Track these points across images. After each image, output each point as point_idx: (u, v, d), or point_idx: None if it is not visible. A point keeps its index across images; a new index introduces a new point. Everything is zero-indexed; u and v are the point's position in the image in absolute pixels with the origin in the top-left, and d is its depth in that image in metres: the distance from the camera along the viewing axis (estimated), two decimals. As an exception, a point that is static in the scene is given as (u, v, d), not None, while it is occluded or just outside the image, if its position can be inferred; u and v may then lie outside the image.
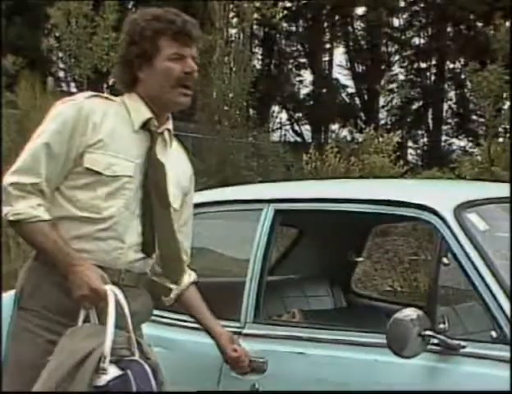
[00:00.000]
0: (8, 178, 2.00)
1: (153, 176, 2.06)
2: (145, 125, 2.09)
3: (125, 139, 2.06)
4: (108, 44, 12.50)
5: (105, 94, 2.14)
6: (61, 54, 16.78)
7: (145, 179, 2.05)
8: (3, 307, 2.30)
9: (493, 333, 1.94)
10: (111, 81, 14.10)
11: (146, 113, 2.09)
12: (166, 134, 2.14)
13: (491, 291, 1.99)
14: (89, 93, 2.12)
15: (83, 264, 1.94)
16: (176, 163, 2.17)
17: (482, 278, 2.01)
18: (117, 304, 1.88)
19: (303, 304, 3.02)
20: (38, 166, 1.99)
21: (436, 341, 1.95)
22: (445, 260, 1.96)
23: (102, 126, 2.03)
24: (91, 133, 2.02)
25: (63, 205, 2.02)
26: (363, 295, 3.40)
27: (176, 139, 2.23)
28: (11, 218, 1.98)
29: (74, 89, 15.93)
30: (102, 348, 1.80)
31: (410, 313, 1.93)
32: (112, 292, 1.89)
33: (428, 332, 1.93)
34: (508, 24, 8.45)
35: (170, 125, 2.16)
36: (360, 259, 3.38)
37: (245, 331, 2.40)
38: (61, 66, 18.92)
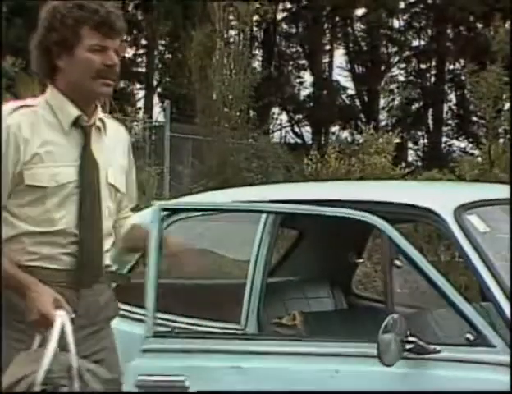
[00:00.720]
0: None
1: (87, 176, 2.03)
2: (75, 123, 2.05)
3: (60, 144, 2.02)
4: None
5: (28, 101, 2.07)
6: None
7: (81, 179, 2.02)
8: None
9: (469, 336, 1.91)
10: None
11: (73, 111, 2.04)
12: (98, 122, 2.09)
13: (490, 293, 1.99)
14: (12, 105, 2.06)
15: (35, 290, 1.92)
16: (115, 147, 2.14)
17: (482, 280, 2.00)
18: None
19: (303, 306, 3.02)
20: None
21: (411, 346, 1.90)
22: (397, 262, 1.91)
23: (33, 140, 1.99)
24: (24, 150, 1.98)
25: (15, 223, 1.99)
26: (363, 296, 3.40)
27: (113, 118, 2.20)
28: None
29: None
30: (33, 376, 1.75)
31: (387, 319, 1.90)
32: (60, 318, 1.86)
33: (402, 338, 1.87)
34: (507, 25, 8.46)
35: (98, 112, 2.11)
36: (361, 261, 3.39)
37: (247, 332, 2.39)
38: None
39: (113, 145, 2.14)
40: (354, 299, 3.26)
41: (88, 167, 2.05)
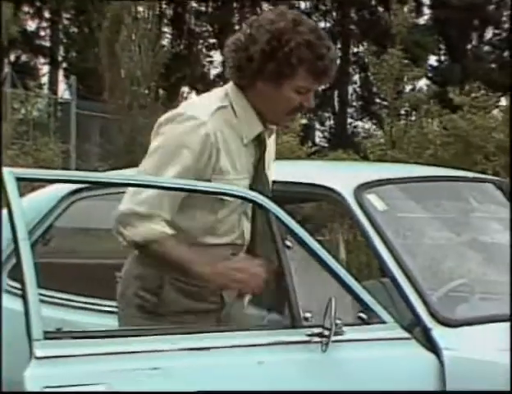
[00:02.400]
0: (130, 206, 1.91)
1: (257, 188, 1.99)
2: (255, 137, 2.03)
3: (238, 156, 1.99)
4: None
5: (218, 99, 1.99)
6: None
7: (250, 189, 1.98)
8: None
9: (362, 315, 1.93)
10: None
11: (258, 127, 2.01)
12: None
13: (388, 271, 2.05)
14: (213, 106, 1.97)
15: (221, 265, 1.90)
16: (270, 159, 2.13)
17: (380, 257, 2.06)
18: None
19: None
20: (161, 205, 1.91)
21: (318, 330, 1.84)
22: (288, 243, 1.89)
23: (222, 151, 1.95)
24: (215, 160, 1.95)
25: (180, 226, 1.95)
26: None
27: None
28: (137, 240, 1.90)
29: None
30: None
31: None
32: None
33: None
34: (405, 9, 8.73)
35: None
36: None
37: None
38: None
39: (270, 157, 2.13)
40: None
41: (261, 180, 2.03)
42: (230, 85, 2.05)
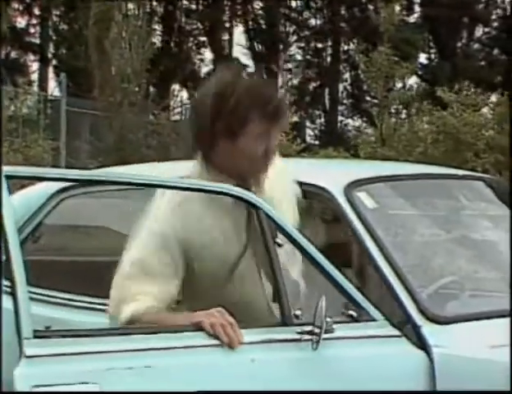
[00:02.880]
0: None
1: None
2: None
3: (219, 225, 1.97)
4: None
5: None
6: None
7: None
8: None
9: (352, 313, 1.92)
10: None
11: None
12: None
13: (378, 268, 2.04)
14: (180, 194, 1.93)
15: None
16: (275, 189, 2.06)
17: (371, 255, 2.05)
18: None
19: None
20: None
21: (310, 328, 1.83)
22: (278, 241, 1.88)
23: (202, 230, 1.95)
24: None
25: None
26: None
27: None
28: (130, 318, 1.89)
29: None
30: None
31: None
32: None
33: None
34: (395, 7, 8.76)
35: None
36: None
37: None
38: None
39: (277, 197, 2.06)
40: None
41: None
42: (193, 165, 2.07)
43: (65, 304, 2.59)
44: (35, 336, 1.61)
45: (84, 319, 2.46)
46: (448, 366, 1.94)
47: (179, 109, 18.65)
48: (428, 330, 1.98)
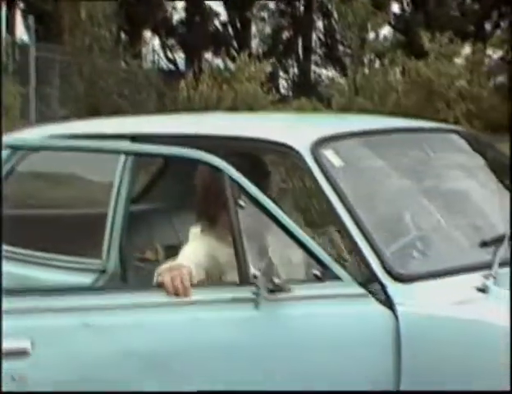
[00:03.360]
0: None
1: None
2: None
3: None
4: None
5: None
6: None
7: None
8: None
9: (317, 272, 1.93)
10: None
11: None
12: None
13: (344, 227, 2.04)
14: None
15: None
16: None
17: (337, 214, 2.03)
18: None
19: (171, 238, 3.00)
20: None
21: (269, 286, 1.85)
22: (241, 203, 1.88)
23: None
24: None
25: None
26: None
27: None
28: None
29: None
30: None
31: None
32: None
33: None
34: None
35: None
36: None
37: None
38: None
39: None
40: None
41: None
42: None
43: (30, 262, 2.54)
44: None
45: (51, 277, 2.43)
46: (412, 324, 1.95)
47: (150, 57, 18.35)
48: (393, 288, 1.99)
